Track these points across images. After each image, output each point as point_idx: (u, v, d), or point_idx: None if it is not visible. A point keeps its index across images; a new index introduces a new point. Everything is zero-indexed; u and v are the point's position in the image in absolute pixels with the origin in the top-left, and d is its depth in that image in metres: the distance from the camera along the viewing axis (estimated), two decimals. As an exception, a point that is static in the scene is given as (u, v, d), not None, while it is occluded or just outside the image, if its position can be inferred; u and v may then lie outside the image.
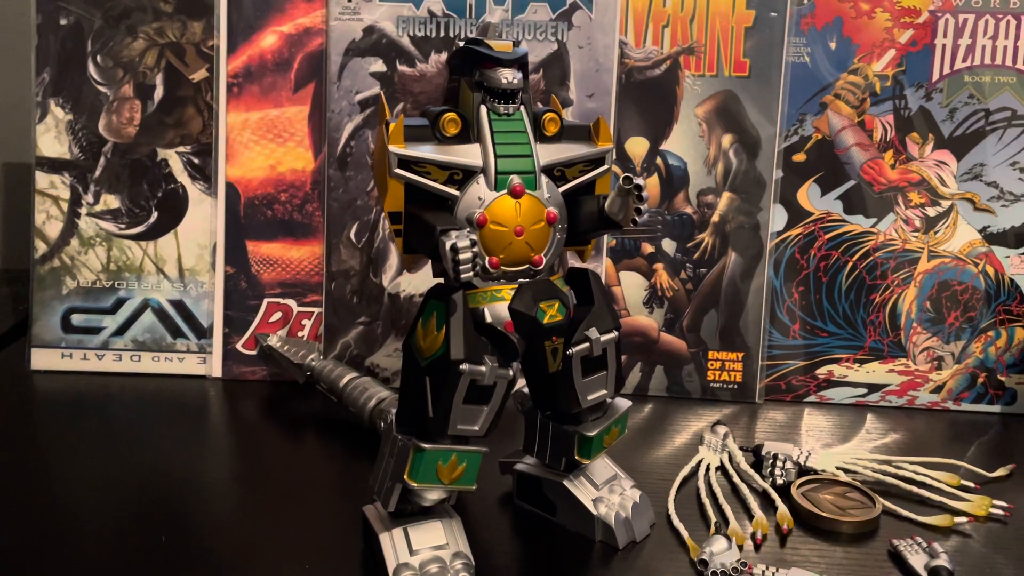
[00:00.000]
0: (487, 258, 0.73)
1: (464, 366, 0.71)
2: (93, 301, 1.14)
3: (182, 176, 1.14)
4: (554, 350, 0.75)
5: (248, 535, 0.84)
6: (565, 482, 0.84)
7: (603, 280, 1.08)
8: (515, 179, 0.74)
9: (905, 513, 0.87)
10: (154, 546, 0.80)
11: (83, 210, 1.14)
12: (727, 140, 1.09)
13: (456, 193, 0.74)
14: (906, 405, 1.11)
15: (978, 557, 0.82)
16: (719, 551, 0.77)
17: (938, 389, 1.11)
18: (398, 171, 0.73)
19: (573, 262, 0.91)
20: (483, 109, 0.74)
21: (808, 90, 1.09)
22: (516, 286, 0.74)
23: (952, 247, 1.10)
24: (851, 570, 0.80)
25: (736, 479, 0.92)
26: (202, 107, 1.13)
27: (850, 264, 1.10)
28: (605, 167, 0.80)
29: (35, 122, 1.13)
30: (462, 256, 0.68)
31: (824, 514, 0.85)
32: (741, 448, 0.97)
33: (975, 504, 0.88)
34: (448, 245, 0.68)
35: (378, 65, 1.09)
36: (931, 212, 1.10)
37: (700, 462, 0.95)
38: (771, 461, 0.92)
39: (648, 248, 1.12)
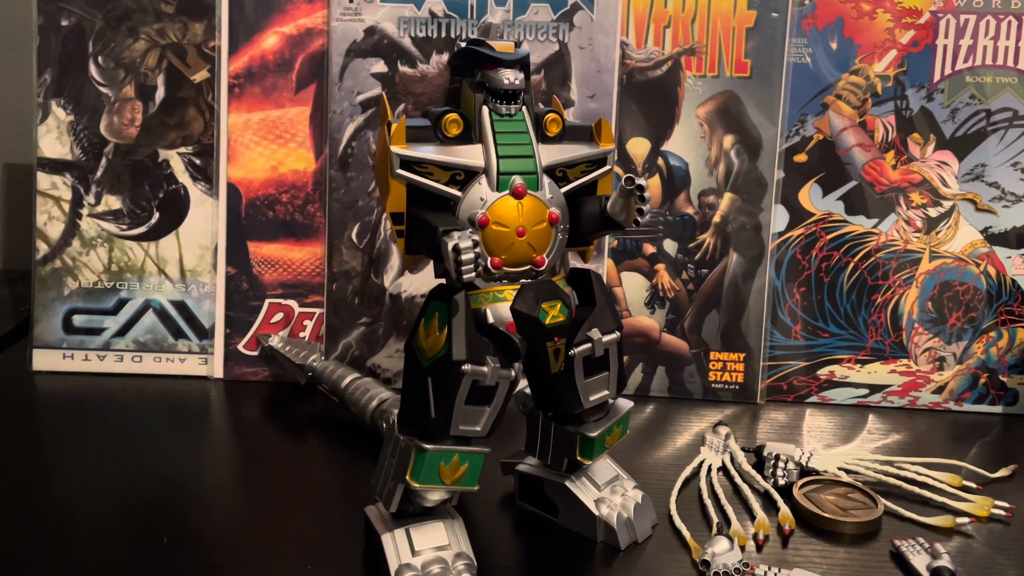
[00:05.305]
0: (489, 259, 0.73)
1: (466, 367, 0.71)
2: (94, 302, 1.14)
3: (183, 177, 1.14)
4: (556, 351, 0.75)
5: (250, 536, 0.84)
6: (567, 483, 0.84)
7: (605, 281, 1.08)
8: (517, 180, 0.74)
9: (907, 514, 0.87)
10: (156, 547, 0.80)
11: (84, 211, 1.14)
12: (728, 141, 1.09)
13: (458, 194, 0.74)
14: (908, 406, 1.11)
15: (980, 558, 0.82)
16: (721, 552, 0.77)
17: (940, 390, 1.11)
18: (400, 172, 0.73)
19: (575, 263, 0.91)
20: (485, 110, 0.74)
21: (809, 91, 1.09)
22: (518, 287, 0.74)
23: (953, 248, 1.10)
24: (853, 571, 0.80)
25: (738, 480, 0.92)
26: (203, 108, 1.13)
27: (851, 265, 1.10)
28: (607, 168, 0.80)
29: (36, 123, 1.13)
30: (464, 257, 0.68)
31: (826, 515, 0.85)
32: (743, 449, 0.97)
33: (977, 505, 0.88)
34: (450, 246, 0.68)
35: (379, 66, 1.09)
36: (932, 213, 1.10)
37: (702, 463, 0.95)
38: (773, 462, 0.92)
39: (650, 249, 1.12)
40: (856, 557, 0.82)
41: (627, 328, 1.09)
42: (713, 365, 1.12)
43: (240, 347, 1.14)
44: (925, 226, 1.10)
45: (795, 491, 0.89)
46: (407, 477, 0.73)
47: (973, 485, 0.91)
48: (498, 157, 0.74)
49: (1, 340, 1.24)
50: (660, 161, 1.11)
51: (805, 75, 1.09)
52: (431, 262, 0.77)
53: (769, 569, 0.77)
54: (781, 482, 0.91)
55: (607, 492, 0.84)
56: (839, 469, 0.93)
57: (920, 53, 1.08)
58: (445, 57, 1.08)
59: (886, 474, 0.92)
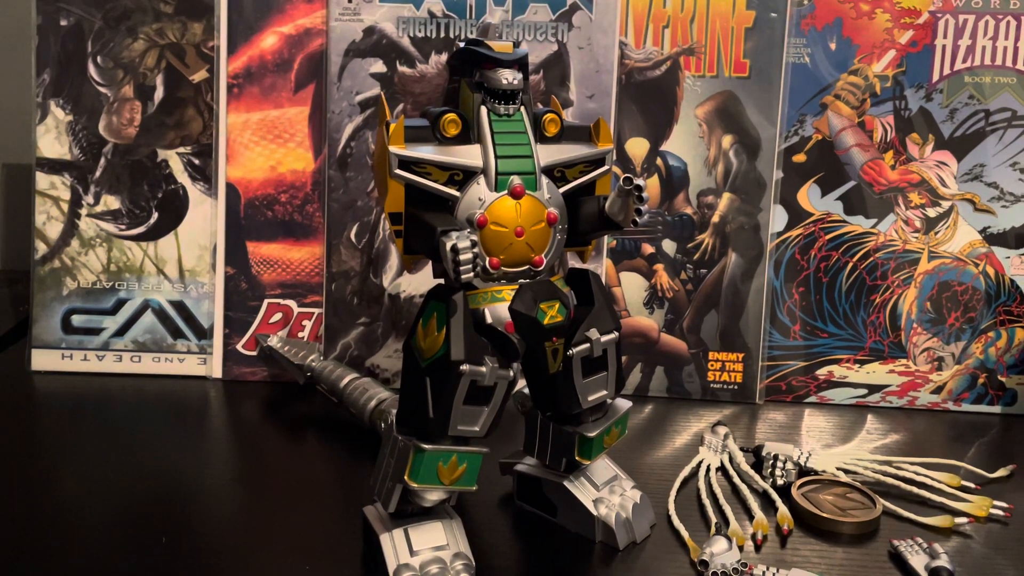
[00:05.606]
0: (487, 259, 0.73)
1: (464, 367, 0.71)
2: (93, 302, 1.14)
3: (182, 177, 1.14)
4: (554, 351, 0.75)
5: (248, 536, 0.84)
6: (565, 483, 0.84)
7: (603, 281, 1.08)
8: (515, 180, 0.74)
9: (905, 514, 0.87)
10: (155, 547, 0.80)
11: (83, 211, 1.14)
12: (727, 141, 1.09)
13: (456, 194, 0.74)
14: (906, 406, 1.11)
15: (979, 558, 0.82)
16: (719, 552, 0.77)
17: (938, 390, 1.11)
18: (398, 172, 0.73)
19: (573, 263, 0.92)
20: (483, 110, 0.74)
21: (808, 91, 1.09)
22: (516, 287, 0.74)
23: (952, 248, 1.10)
24: (851, 571, 0.80)
25: (736, 480, 0.92)
26: (202, 108, 1.13)
27: (850, 265, 1.10)
28: (605, 168, 0.80)
29: (35, 123, 1.13)
30: (463, 257, 0.68)
31: (824, 515, 0.85)
32: (741, 449, 0.97)
33: (975, 505, 0.88)
34: (449, 246, 0.68)
35: (378, 66, 1.09)
36: (931, 213, 1.10)
37: (700, 463, 0.95)
38: (771, 462, 0.92)
39: (648, 249, 1.12)
40: (854, 557, 0.82)
41: (626, 328, 1.09)
42: (712, 365, 1.12)
43: (239, 347, 1.14)
44: (924, 226, 1.10)
45: (793, 491, 0.89)
46: (405, 477, 0.73)
47: (972, 485, 0.91)
48: (496, 157, 0.74)
49: (0, 340, 1.24)
50: (659, 161, 1.11)
51: (804, 75, 1.09)
52: (430, 262, 0.77)
53: (767, 569, 0.77)
54: (780, 482, 0.91)
55: (606, 492, 0.84)
56: (838, 469, 0.93)
57: (919, 53, 1.08)
58: (444, 57, 1.08)
59: (885, 474, 0.92)
